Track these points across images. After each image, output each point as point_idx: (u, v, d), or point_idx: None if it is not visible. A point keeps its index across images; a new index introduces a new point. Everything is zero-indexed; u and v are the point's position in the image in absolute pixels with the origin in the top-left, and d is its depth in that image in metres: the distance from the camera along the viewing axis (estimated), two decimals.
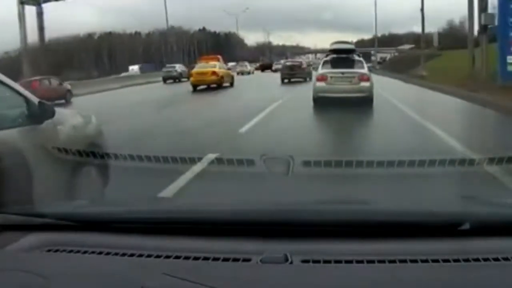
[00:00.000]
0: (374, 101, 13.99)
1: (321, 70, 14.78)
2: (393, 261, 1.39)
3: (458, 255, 1.41)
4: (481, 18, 20.32)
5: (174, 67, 39.77)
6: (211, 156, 5.07)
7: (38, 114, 3.62)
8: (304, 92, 17.46)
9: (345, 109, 12.62)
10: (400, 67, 39.02)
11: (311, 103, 14.29)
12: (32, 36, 32.10)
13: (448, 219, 1.60)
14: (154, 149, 6.75)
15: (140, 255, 1.49)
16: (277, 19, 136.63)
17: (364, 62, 15.51)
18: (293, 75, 29.60)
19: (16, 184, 3.16)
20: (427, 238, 1.52)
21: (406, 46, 70.54)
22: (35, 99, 3.70)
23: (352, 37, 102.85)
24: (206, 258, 1.44)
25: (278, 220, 1.65)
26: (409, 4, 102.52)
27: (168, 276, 1.33)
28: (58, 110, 3.93)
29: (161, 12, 54.95)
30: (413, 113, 11.93)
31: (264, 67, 55.27)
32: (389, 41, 79.53)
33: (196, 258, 1.45)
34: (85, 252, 1.54)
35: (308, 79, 26.07)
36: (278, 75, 31.12)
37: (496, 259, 1.39)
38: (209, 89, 25.78)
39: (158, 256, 1.48)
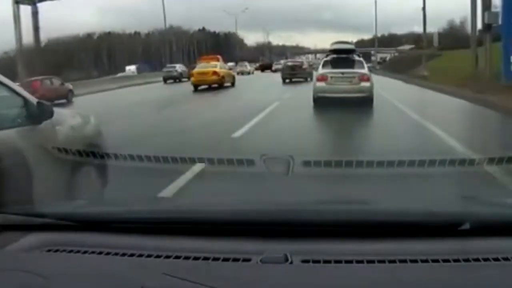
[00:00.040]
0: (374, 102, 13.99)
1: (321, 70, 14.79)
2: (393, 261, 1.39)
3: (458, 255, 1.41)
4: (484, 16, 20.03)
5: (175, 67, 39.73)
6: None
7: (37, 115, 3.61)
8: (304, 92, 17.46)
9: (345, 109, 12.62)
10: (400, 67, 39.02)
11: (311, 103, 14.29)
12: (29, 37, 32.08)
13: (448, 219, 1.60)
14: (154, 149, 6.75)
15: (140, 255, 1.49)
16: (277, 19, 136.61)
17: (364, 62, 15.52)
18: (294, 75, 29.70)
19: (16, 184, 3.16)
20: (427, 238, 1.52)
21: (406, 46, 70.51)
22: (33, 100, 3.69)
23: (352, 37, 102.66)
24: (206, 258, 1.44)
25: (278, 220, 1.65)
26: (409, 4, 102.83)
27: (168, 276, 1.33)
28: (57, 110, 3.92)
29: (161, 12, 54.73)
30: (415, 115, 11.81)
31: (264, 67, 55.19)
32: (389, 41, 79.49)
33: (196, 258, 1.45)
34: (85, 252, 1.54)
35: (309, 79, 26.08)
36: (278, 75, 31.16)
37: (496, 259, 1.39)
38: (210, 89, 25.82)
39: (158, 256, 1.47)
